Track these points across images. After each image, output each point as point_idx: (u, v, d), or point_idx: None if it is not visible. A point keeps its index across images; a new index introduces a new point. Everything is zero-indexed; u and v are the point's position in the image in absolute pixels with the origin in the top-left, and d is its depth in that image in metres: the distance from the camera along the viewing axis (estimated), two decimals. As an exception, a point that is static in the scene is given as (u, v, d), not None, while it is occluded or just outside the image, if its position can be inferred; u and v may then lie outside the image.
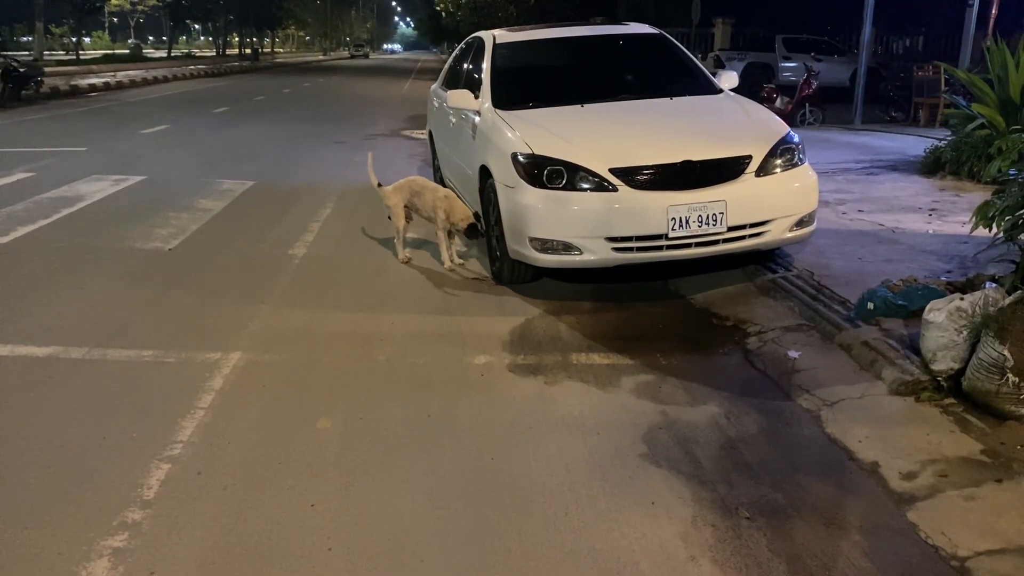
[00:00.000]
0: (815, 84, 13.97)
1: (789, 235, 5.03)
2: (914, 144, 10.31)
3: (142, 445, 3.39)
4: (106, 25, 75.78)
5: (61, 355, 4.36)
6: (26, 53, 35.08)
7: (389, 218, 6.12)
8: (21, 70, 20.03)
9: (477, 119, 5.91)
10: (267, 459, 3.29)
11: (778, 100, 13.76)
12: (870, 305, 4.32)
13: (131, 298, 5.33)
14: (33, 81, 20.33)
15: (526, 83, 6.23)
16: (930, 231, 6.17)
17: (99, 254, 6.39)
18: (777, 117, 5.70)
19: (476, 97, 6.01)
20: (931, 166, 8.59)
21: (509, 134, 5.26)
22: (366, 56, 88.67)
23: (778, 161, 5.00)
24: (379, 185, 6.22)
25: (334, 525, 2.85)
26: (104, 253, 6.41)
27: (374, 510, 2.94)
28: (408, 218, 6.07)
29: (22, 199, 8.29)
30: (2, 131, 14.60)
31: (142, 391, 3.94)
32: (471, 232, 5.73)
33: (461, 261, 6.01)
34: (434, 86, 8.66)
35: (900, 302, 4.27)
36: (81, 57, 42.77)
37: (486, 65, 6.28)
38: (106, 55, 48.33)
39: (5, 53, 25.31)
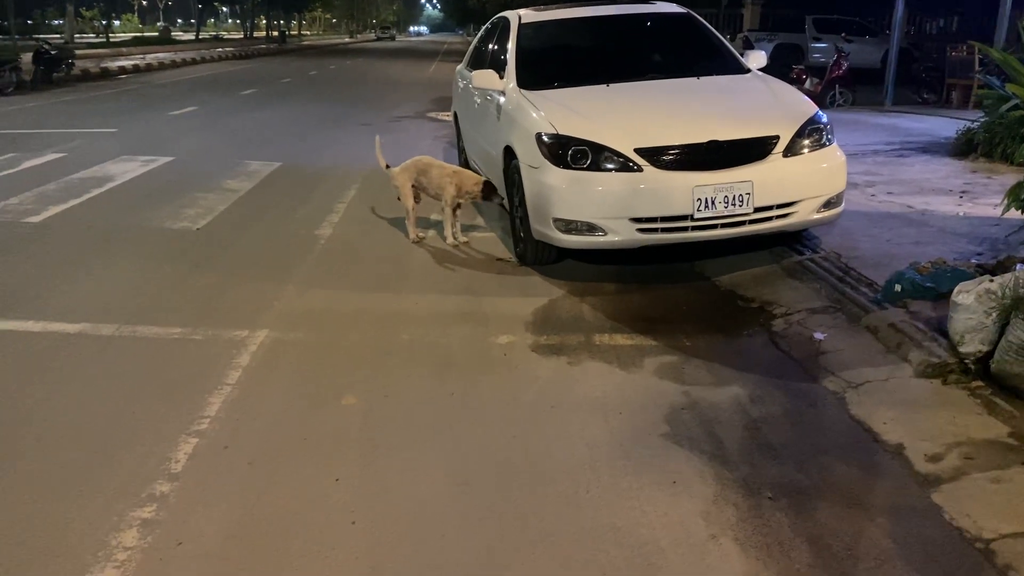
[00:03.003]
0: (845, 65, 13.76)
1: (816, 216, 4.98)
2: (946, 126, 10.14)
3: (170, 420, 3.45)
4: (135, 8, 76.38)
5: (91, 332, 4.44)
6: (57, 36, 35.47)
7: (398, 199, 6.14)
8: (52, 53, 20.30)
9: (502, 99, 5.90)
10: (292, 434, 3.34)
11: (808, 81, 13.59)
12: (897, 287, 4.27)
13: (160, 277, 5.40)
14: (64, 64, 20.58)
15: (551, 63, 6.19)
16: (960, 213, 6.07)
17: (128, 233, 6.47)
18: (805, 97, 5.62)
19: (501, 77, 5.99)
20: (963, 148, 8.45)
21: (534, 114, 5.24)
22: (392, 38, 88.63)
23: (806, 141, 4.95)
24: (387, 167, 6.24)
25: (358, 500, 2.88)
26: (133, 232, 6.50)
27: (397, 485, 2.97)
28: (416, 198, 6.09)
29: (53, 179, 8.41)
30: (34, 113, 14.80)
31: (170, 367, 4.00)
32: (487, 191, 5.78)
33: (465, 239, 6.04)
34: (459, 67, 8.65)
35: (928, 284, 4.21)
36: (111, 40, 43.20)
37: (511, 45, 6.25)
38: (135, 38, 48.76)
39: (37, 36, 25.62)
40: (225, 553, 2.61)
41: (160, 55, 32.44)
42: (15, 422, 3.46)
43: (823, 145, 5.02)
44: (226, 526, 2.74)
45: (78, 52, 24.36)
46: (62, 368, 4.00)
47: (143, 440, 3.29)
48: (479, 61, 7.43)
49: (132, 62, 27.35)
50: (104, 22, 48.31)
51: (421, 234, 6.19)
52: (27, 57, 19.32)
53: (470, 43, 9.00)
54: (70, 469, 3.10)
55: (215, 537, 2.69)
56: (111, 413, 3.53)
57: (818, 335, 4.13)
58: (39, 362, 4.08)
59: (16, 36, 27.00)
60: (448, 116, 11.04)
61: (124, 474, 3.04)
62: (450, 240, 5.97)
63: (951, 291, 3.72)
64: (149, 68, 27.06)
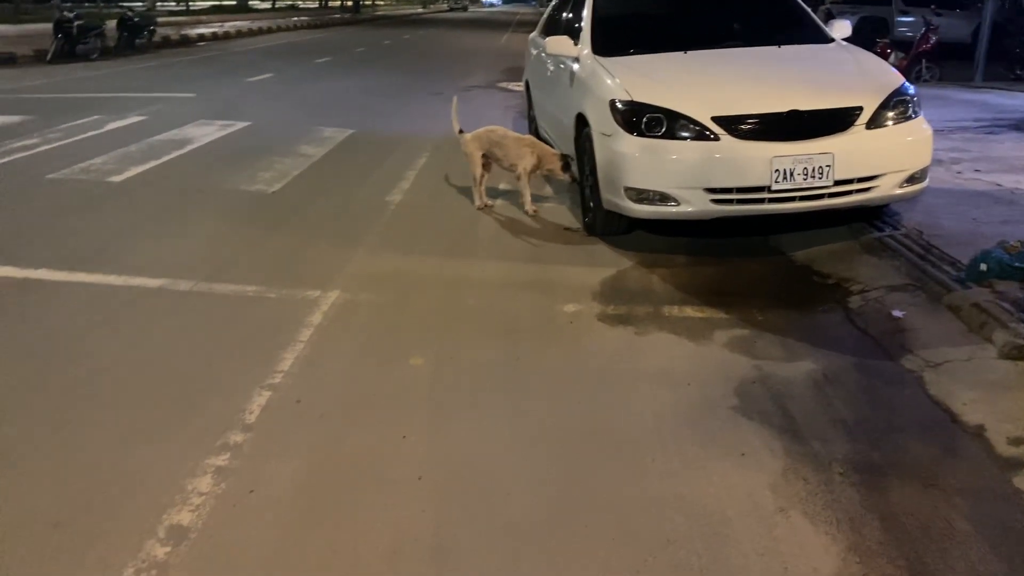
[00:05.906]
0: (934, 39, 13.18)
1: (899, 191, 4.80)
2: (1041, 103, 9.67)
3: (245, 373, 3.54)
4: (214, -23, 77.57)
5: (170, 287, 4.58)
6: (139, 4, 36.37)
7: None
8: (135, 20, 20.82)
9: (575, 66, 5.82)
10: (362, 391, 3.39)
11: (892, 56, 13.06)
12: (983, 266, 4.10)
13: (236, 237, 5.52)
14: (146, 31, 21.09)
15: (627, 29, 6.07)
16: (1054, 193, 5.79)
17: (206, 194, 6.64)
18: (891, 68, 5.41)
19: (575, 44, 5.91)
20: (1059, 126, 8.05)
21: (608, 80, 5.16)
22: (464, 9, 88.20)
23: (891, 113, 4.76)
24: (460, 131, 6.23)
25: (424, 457, 2.92)
26: (211, 194, 6.66)
27: (463, 445, 3.00)
28: (486, 167, 6.07)
29: (135, 141, 8.66)
30: (117, 77, 15.23)
31: (245, 323, 4.10)
32: (567, 164, 5.79)
33: (534, 208, 5.99)
34: (532, 34, 8.58)
35: (1017, 264, 4.03)
36: (190, 8, 44.13)
37: (587, 11, 6.15)
38: (214, 6, 49.59)
39: (121, 4, 26.29)
40: (295, 502, 2.68)
41: (237, 23, 32.93)
42: (99, 371, 3.60)
43: (909, 118, 4.83)
44: (297, 476, 2.81)
45: (159, 20, 24.90)
46: (143, 321, 4.15)
47: (219, 391, 3.39)
48: (553, 28, 7.35)
49: (211, 30, 27.87)
50: (185, -10, 49.28)
51: (489, 202, 6.18)
52: (111, 24, 19.89)
53: (542, 14, 8.91)
54: (149, 417, 3.21)
55: (286, 486, 2.76)
56: (189, 365, 3.65)
57: (897, 313, 4.01)
58: (121, 314, 4.23)
59: (101, 3, 27.82)
60: (519, 87, 10.98)
61: (200, 423, 3.14)
62: (528, 208, 5.93)
63: (1042, 271, 3.56)
64: (227, 36, 27.54)
